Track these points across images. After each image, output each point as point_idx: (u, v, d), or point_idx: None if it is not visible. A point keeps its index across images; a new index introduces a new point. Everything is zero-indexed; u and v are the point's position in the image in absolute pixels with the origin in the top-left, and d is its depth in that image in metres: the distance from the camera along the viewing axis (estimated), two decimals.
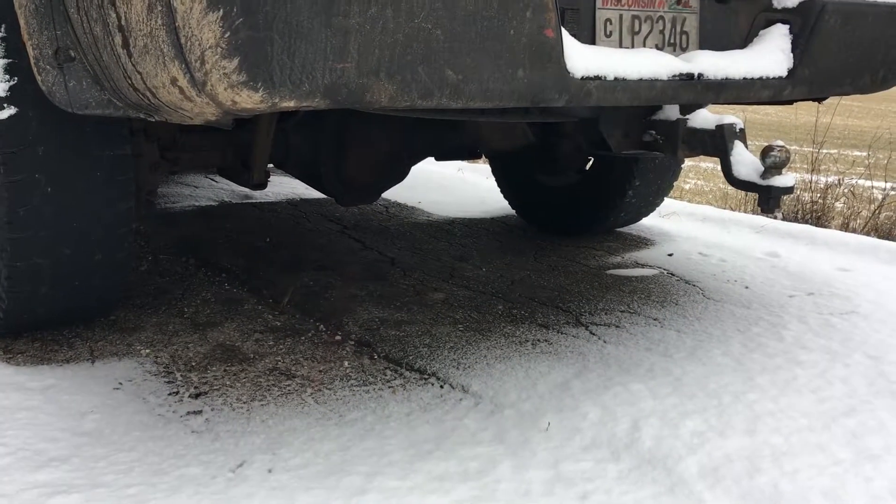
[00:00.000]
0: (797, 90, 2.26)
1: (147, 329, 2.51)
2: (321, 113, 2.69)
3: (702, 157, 2.38)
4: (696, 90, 2.05)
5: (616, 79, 1.89)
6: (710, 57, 2.11)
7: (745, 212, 4.88)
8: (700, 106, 2.37)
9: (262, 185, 2.85)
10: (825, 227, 4.48)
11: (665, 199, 3.92)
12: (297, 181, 3.24)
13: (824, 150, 5.40)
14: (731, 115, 2.24)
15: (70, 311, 2.40)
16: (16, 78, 2.03)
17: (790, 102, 2.51)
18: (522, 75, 1.73)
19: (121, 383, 2.15)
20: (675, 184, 3.83)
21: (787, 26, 2.25)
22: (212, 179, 4.86)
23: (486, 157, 3.81)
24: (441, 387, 2.22)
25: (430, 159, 3.38)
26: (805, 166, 5.38)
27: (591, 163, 3.69)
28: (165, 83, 1.59)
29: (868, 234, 4.39)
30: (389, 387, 2.21)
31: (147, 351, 2.36)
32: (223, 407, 2.06)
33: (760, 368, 2.36)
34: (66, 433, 1.89)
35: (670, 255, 3.57)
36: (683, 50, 2.17)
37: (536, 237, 3.83)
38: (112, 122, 2.16)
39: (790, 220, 4.63)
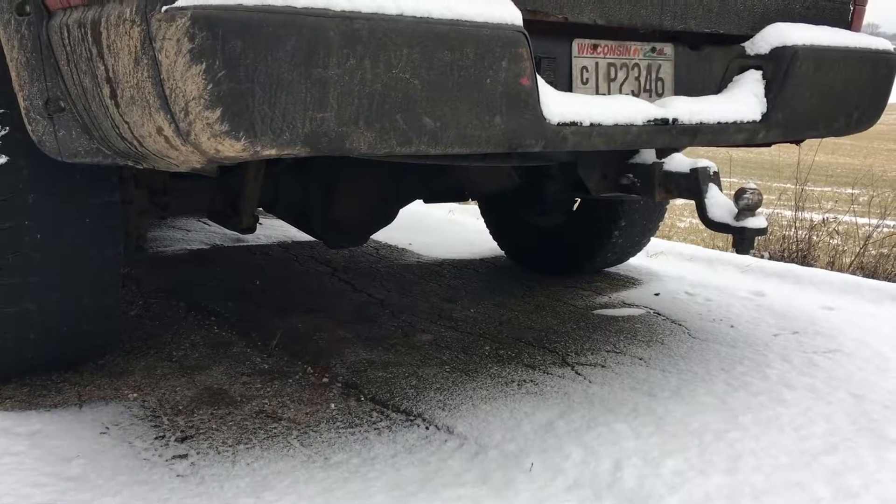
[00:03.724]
0: (771, 133, 2.32)
1: (135, 373, 2.53)
2: (308, 158, 2.73)
3: None
4: (670, 135, 2.10)
5: (592, 124, 1.94)
6: (684, 102, 2.16)
7: (733, 251, 4.90)
8: (676, 150, 2.42)
9: (251, 229, 2.89)
10: (811, 265, 4.51)
11: (652, 238, 3.97)
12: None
13: (818, 189, 5.46)
14: (704, 159, 2.29)
15: (59, 356, 2.41)
16: (7, 128, 2.09)
17: (767, 145, 2.56)
18: (499, 122, 1.78)
19: (107, 427, 2.17)
20: (669, 222, 3.88)
21: (761, 72, 2.31)
22: (204, 223, 4.89)
23: (473, 199, 3.86)
24: (426, 428, 2.24)
25: (420, 201, 3.43)
26: (795, 203, 5.44)
27: (577, 204, 3.74)
28: (151, 132, 1.64)
29: (854, 272, 4.42)
30: (375, 429, 2.22)
31: (134, 395, 2.37)
32: (209, 450, 2.07)
33: (744, 407, 2.38)
34: (52, 478, 1.90)
35: (657, 294, 3.60)
36: (659, 96, 2.23)
37: (525, 277, 3.87)
38: (101, 170, 2.20)
39: (776, 259, 4.67)
